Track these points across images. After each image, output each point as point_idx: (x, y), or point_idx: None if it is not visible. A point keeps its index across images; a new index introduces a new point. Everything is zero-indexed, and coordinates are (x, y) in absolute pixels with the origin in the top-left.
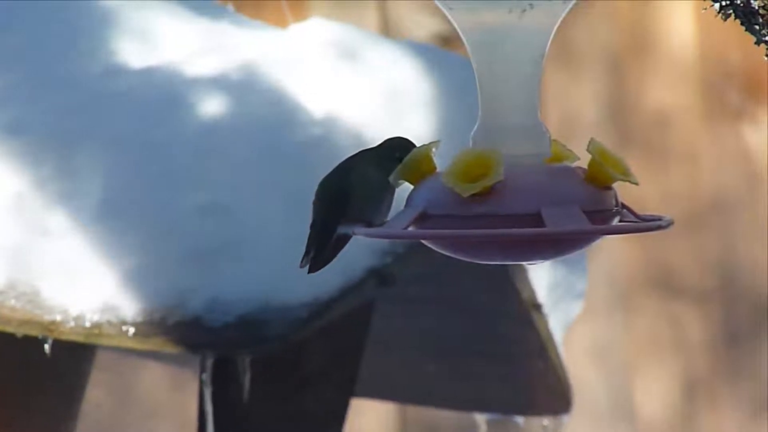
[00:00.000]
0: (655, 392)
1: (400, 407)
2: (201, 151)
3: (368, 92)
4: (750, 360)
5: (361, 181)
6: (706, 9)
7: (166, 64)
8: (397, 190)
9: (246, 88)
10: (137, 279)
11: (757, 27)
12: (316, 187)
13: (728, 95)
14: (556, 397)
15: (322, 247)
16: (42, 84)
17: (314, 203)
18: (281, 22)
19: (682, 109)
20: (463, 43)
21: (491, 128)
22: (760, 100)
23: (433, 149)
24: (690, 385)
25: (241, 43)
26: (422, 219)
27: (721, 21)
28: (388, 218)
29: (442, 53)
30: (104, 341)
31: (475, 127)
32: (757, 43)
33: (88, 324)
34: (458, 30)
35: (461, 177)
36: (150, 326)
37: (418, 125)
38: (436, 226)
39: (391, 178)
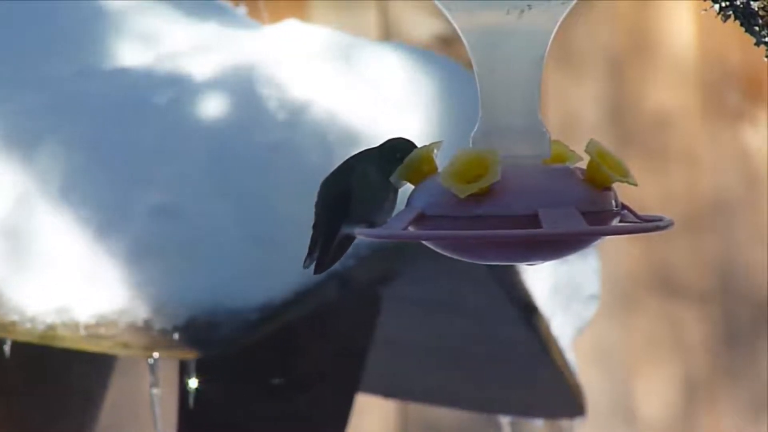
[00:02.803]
0: (654, 392)
1: (401, 407)
2: (158, 152)
3: (336, 95)
4: (750, 360)
5: (362, 181)
6: (706, 10)
7: (135, 66)
8: (401, 191)
9: (212, 90)
10: (90, 281)
11: (756, 28)
12: (269, 191)
13: (728, 96)
14: (562, 399)
15: (326, 248)
16: (12, 84)
17: (316, 204)
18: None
19: (681, 110)
20: (463, 44)
21: (491, 129)
22: (759, 102)
23: (435, 150)
24: (690, 386)
25: (213, 45)
26: (421, 219)
27: (721, 22)
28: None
29: (423, 54)
30: (58, 343)
31: (475, 127)
32: (757, 44)
33: (42, 326)
34: (458, 31)
35: (458, 177)
36: (102, 328)
37: (391, 129)
38: (434, 226)
39: (392, 179)
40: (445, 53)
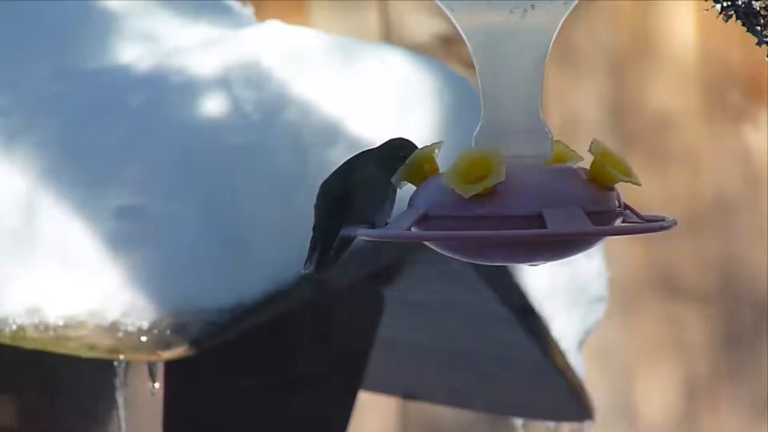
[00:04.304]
0: (656, 393)
1: (402, 408)
2: (128, 153)
3: (314, 96)
4: (751, 361)
5: (362, 182)
6: (707, 10)
7: (113, 67)
8: (400, 191)
9: (186, 91)
10: (60, 282)
11: (758, 28)
12: (239, 193)
13: (729, 96)
14: (566, 402)
15: (326, 249)
16: None
17: (315, 206)
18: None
19: (683, 111)
20: (464, 44)
21: (493, 129)
22: (760, 102)
23: (436, 150)
24: (691, 387)
25: (192, 47)
26: (424, 220)
27: (723, 22)
28: (391, 219)
29: (407, 56)
30: (28, 344)
31: (478, 127)
32: (759, 44)
33: (14, 326)
34: (460, 30)
35: (462, 178)
36: (70, 330)
37: (369, 130)
38: (438, 227)
39: (393, 179)
40: (445, 53)
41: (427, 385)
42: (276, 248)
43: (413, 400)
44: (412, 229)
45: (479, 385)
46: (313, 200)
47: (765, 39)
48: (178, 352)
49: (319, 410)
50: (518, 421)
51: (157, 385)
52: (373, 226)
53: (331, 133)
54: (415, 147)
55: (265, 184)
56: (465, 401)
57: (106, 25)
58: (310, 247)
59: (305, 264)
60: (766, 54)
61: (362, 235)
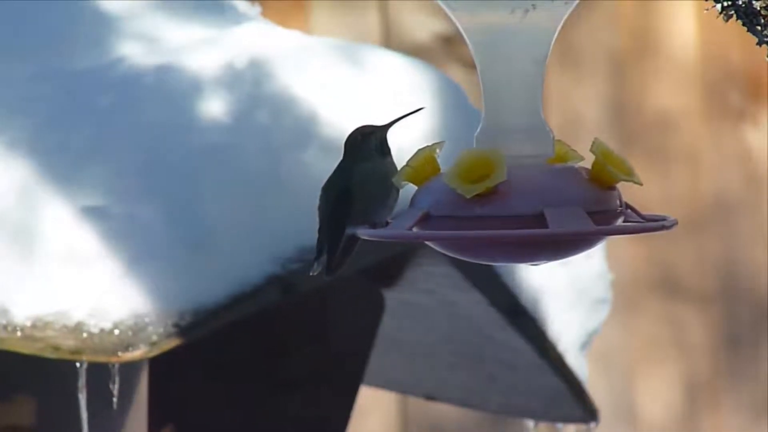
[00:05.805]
0: (656, 394)
1: (402, 408)
2: (96, 154)
3: (286, 98)
4: (751, 362)
5: (362, 181)
6: (708, 10)
7: (89, 69)
8: (402, 191)
9: (157, 92)
10: (27, 282)
11: (758, 28)
12: (205, 195)
13: (729, 96)
14: (565, 403)
15: (333, 249)
16: None
17: (319, 208)
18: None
19: (683, 111)
20: (465, 44)
21: (494, 129)
22: (761, 102)
23: (437, 150)
24: (691, 387)
25: (173, 48)
26: (426, 220)
27: (723, 22)
28: (392, 217)
29: (391, 58)
30: None
31: (479, 127)
32: (759, 44)
33: None
34: (461, 30)
35: (464, 178)
36: (37, 330)
37: (343, 132)
38: (440, 227)
39: (395, 180)
40: (446, 53)
41: (428, 386)
42: (243, 250)
43: (429, 399)
44: (414, 228)
45: (479, 385)
46: (284, 202)
47: (765, 39)
48: (138, 354)
49: (315, 410)
50: (530, 423)
51: (116, 386)
52: (374, 225)
53: (306, 135)
54: (373, 127)
55: (232, 186)
56: (466, 401)
57: (96, 26)
58: (317, 249)
59: (312, 267)
60: (766, 54)
61: (364, 235)
